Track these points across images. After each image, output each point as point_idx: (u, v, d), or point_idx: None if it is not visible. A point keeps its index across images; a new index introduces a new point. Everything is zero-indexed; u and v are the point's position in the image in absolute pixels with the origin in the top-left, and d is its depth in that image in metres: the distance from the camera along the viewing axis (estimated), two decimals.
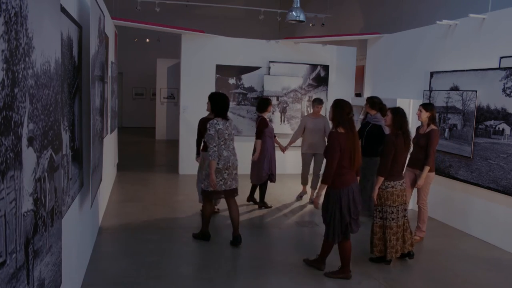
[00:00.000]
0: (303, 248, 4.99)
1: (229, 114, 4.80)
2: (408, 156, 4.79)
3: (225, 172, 4.69)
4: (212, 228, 5.41)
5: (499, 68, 5.20)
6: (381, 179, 4.35)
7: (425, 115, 5.04)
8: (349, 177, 3.89)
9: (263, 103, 6.28)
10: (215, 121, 4.65)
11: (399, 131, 4.36)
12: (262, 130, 6.14)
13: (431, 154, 4.93)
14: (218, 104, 4.73)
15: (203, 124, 5.47)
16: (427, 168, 4.93)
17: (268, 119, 6.39)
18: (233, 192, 4.84)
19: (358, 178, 4.11)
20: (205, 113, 6.07)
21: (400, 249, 4.45)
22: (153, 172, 8.82)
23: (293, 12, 8.43)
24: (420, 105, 5.17)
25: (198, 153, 5.97)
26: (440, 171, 6.08)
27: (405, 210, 4.50)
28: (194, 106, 8.62)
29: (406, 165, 4.82)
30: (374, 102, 5.86)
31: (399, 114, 4.40)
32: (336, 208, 3.89)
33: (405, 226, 4.48)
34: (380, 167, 4.38)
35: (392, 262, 4.54)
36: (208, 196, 4.86)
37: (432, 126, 5.03)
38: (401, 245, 4.45)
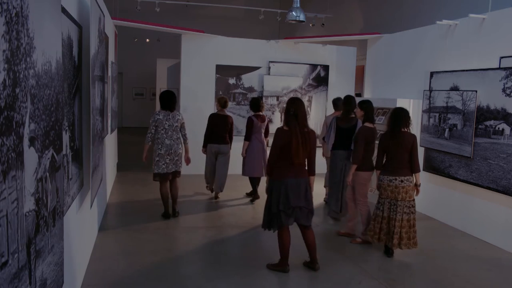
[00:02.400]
0: (302, 248, 4.99)
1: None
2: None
3: (167, 158, 5.49)
4: (214, 229, 5.42)
5: (499, 68, 5.20)
6: (353, 166, 4.89)
7: (360, 113, 5.15)
8: (285, 172, 4.01)
9: (258, 102, 6.72)
10: (157, 112, 5.53)
11: (389, 129, 4.64)
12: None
13: (354, 151, 5.01)
14: (160, 100, 5.57)
15: (211, 119, 6.60)
16: (354, 166, 4.98)
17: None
18: (176, 174, 5.66)
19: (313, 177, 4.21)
20: (205, 111, 6.71)
21: (386, 241, 4.64)
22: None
23: (293, 12, 8.43)
24: (358, 103, 5.27)
25: (204, 145, 6.73)
26: (440, 171, 6.09)
27: (401, 207, 4.52)
28: (194, 106, 8.62)
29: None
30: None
31: (391, 114, 4.70)
32: (268, 197, 4.09)
33: (399, 223, 4.53)
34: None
35: (392, 262, 4.55)
36: (156, 178, 5.59)
37: (366, 124, 5.10)
38: (395, 242, 4.55)
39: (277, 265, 4.24)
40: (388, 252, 4.71)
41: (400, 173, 4.52)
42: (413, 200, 4.61)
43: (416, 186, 4.65)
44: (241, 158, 6.70)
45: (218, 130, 6.57)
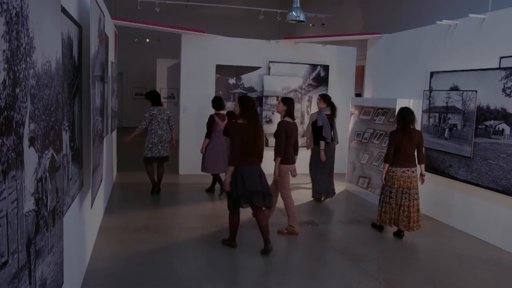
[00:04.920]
0: (302, 248, 5.00)
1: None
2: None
3: (159, 145, 6.68)
4: (213, 229, 5.42)
5: (499, 68, 5.20)
6: (278, 159, 5.15)
7: (282, 108, 5.33)
8: (242, 161, 4.48)
9: (220, 101, 7.02)
10: (151, 108, 6.71)
11: (399, 126, 5.18)
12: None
13: (276, 144, 5.15)
14: (151, 98, 6.77)
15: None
16: (278, 159, 5.15)
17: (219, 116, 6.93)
18: (164, 159, 6.81)
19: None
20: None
21: (404, 226, 5.17)
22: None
23: (293, 12, 8.42)
24: (281, 98, 5.46)
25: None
26: (440, 171, 6.08)
27: (413, 194, 5.13)
28: (194, 106, 8.62)
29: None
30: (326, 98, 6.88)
31: (399, 114, 5.23)
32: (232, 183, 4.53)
33: (413, 208, 5.13)
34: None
35: (392, 262, 4.55)
36: (146, 161, 6.76)
37: (285, 118, 5.25)
38: (405, 224, 5.15)
39: (227, 241, 4.81)
40: (400, 234, 5.28)
41: (411, 165, 5.16)
42: (418, 187, 5.22)
43: (422, 175, 5.29)
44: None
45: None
